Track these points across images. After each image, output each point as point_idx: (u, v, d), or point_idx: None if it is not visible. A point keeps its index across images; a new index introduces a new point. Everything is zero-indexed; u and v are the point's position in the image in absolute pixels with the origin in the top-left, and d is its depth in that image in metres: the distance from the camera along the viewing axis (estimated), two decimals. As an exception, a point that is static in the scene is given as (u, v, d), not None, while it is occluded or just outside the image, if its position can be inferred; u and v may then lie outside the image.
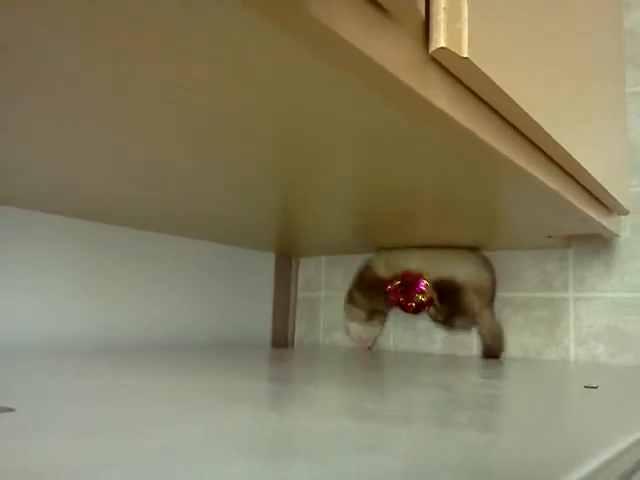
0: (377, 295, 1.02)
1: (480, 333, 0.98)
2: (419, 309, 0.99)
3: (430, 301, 0.98)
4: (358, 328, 1.07)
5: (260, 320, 1.21)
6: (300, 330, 1.28)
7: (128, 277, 0.95)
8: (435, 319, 1.01)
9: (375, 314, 1.07)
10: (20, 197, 0.76)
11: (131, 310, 0.95)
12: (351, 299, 1.07)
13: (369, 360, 0.88)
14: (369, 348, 1.09)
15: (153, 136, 0.50)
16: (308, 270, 1.29)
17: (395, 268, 1.00)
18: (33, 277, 0.82)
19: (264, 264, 1.23)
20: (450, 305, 0.97)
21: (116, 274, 0.93)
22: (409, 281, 0.98)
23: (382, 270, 1.01)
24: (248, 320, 1.18)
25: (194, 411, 0.37)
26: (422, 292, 0.97)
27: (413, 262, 0.99)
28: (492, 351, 0.96)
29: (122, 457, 0.24)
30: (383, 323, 1.10)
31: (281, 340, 1.25)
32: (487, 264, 1.01)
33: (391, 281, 1.00)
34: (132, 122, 0.46)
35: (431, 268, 0.98)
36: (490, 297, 0.98)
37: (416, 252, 1.01)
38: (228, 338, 1.13)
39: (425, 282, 0.97)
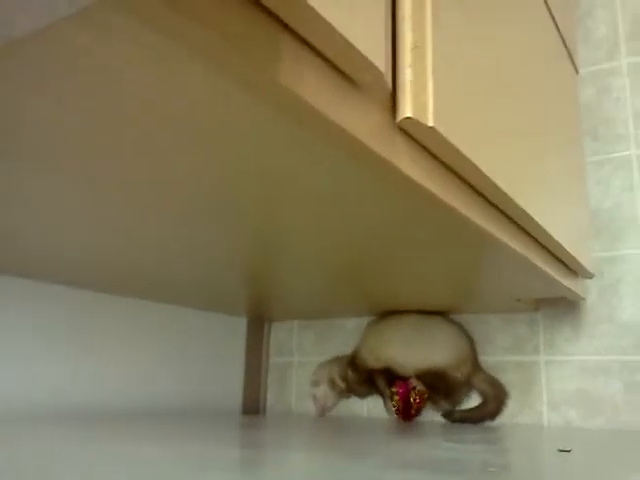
0: (366, 380, 1.06)
1: (480, 392, 0.99)
2: (416, 412, 1.02)
3: (422, 397, 1.01)
4: (329, 393, 1.06)
5: (231, 386, 1.18)
6: (272, 396, 1.25)
7: (97, 342, 0.92)
8: (438, 410, 1.02)
9: (353, 391, 1.08)
10: (7, 265, 0.75)
11: (99, 376, 0.92)
12: (339, 370, 1.08)
13: (341, 427, 0.86)
14: (322, 414, 1.07)
15: (122, 202, 0.50)
16: (280, 334, 1.27)
17: (381, 359, 1.03)
18: (14, 343, 0.80)
19: (235, 329, 1.21)
20: (440, 390, 1.00)
21: (85, 339, 0.90)
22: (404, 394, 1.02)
23: (372, 362, 1.05)
24: (218, 386, 1.15)
25: (166, 479, 0.35)
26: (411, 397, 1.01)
27: (393, 350, 1.02)
28: (499, 400, 0.98)
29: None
30: (348, 397, 1.11)
31: (252, 407, 1.22)
32: (460, 331, 1.03)
33: (381, 370, 1.03)
34: (104, 187, 0.47)
35: (409, 358, 1.01)
36: (473, 360, 1.01)
37: (393, 336, 1.04)
38: (197, 404, 1.10)
39: (412, 385, 1.01)
